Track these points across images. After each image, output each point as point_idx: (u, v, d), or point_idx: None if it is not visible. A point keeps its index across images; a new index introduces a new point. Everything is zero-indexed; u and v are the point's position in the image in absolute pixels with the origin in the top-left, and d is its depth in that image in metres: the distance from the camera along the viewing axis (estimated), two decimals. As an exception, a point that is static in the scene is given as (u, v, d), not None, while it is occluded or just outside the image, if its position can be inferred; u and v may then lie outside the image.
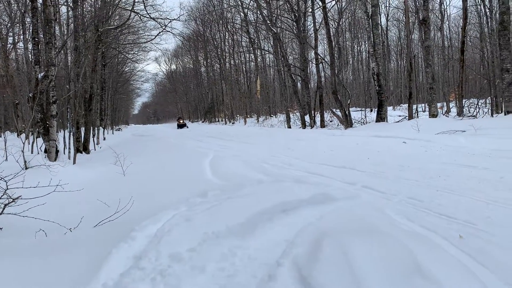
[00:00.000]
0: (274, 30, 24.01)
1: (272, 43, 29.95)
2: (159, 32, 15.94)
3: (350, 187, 5.19)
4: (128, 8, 16.05)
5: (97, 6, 15.79)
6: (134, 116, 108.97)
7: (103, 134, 23.28)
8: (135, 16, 16.76)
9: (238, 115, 42.76)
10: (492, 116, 14.88)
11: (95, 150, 15.65)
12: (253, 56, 39.00)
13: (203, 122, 53.61)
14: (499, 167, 5.83)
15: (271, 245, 3.01)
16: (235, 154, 10.05)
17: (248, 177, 5.98)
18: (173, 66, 65.43)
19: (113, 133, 31.74)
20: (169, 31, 15.46)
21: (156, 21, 15.24)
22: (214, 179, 6.09)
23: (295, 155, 8.92)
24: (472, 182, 5.02)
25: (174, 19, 14.91)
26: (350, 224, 3.39)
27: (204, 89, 52.82)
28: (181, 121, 40.23)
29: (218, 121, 46.92)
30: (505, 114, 12.67)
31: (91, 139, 15.80)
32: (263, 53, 38.07)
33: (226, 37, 42.65)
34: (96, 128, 19.14)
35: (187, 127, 37.61)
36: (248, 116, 39.75)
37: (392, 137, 10.84)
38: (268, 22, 24.09)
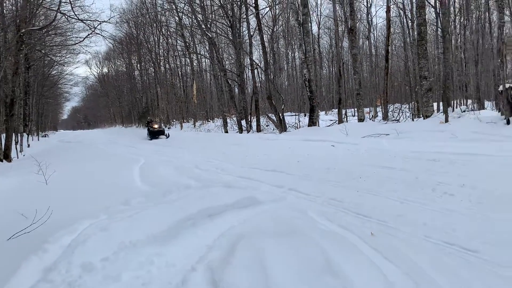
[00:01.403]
0: (209, 35, 24.01)
1: (207, 48, 29.89)
2: (88, 35, 15.34)
3: (277, 190, 5.31)
4: (53, 9, 15.24)
5: (18, 5, 14.86)
6: (63, 122, 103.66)
7: (27, 141, 21.92)
8: (62, 17, 15.99)
9: (174, 120, 42.05)
10: (413, 120, 15.92)
11: (18, 158, 14.68)
12: (188, 60, 38.61)
13: (137, 127, 52.13)
14: (415, 168, 6.24)
15: (191, 251, 3.00)
16: (167, 159, 9.89)
17: (177, 183, 5.91)
18: (105, 70, 63.05)
19: (38, 140, 29.92)
20: (98, 34, 14.94)
21: (84, 23, 14.64)
22: (142, 185, 5.95)
23: (229, 160, 8.96)
24: (389, 182, 5.33)
25: (104, 21, 14.40)
26: (272, 227, 3.47)
27: (138, 93, 51.37)
28: (156, 126, 22.58)
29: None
30: (424, 118, 13.62)
31: (14, 146, 14.81)
32: (199, 57, 37.79)
33: (161, 41, 41.84)
34: (19, 135, 17.96)
35: (167, 136, 21.52)
36: (185, 120, 39.23)
37: (322, 140, 11.25)
38: (203, 27, 24.04)
